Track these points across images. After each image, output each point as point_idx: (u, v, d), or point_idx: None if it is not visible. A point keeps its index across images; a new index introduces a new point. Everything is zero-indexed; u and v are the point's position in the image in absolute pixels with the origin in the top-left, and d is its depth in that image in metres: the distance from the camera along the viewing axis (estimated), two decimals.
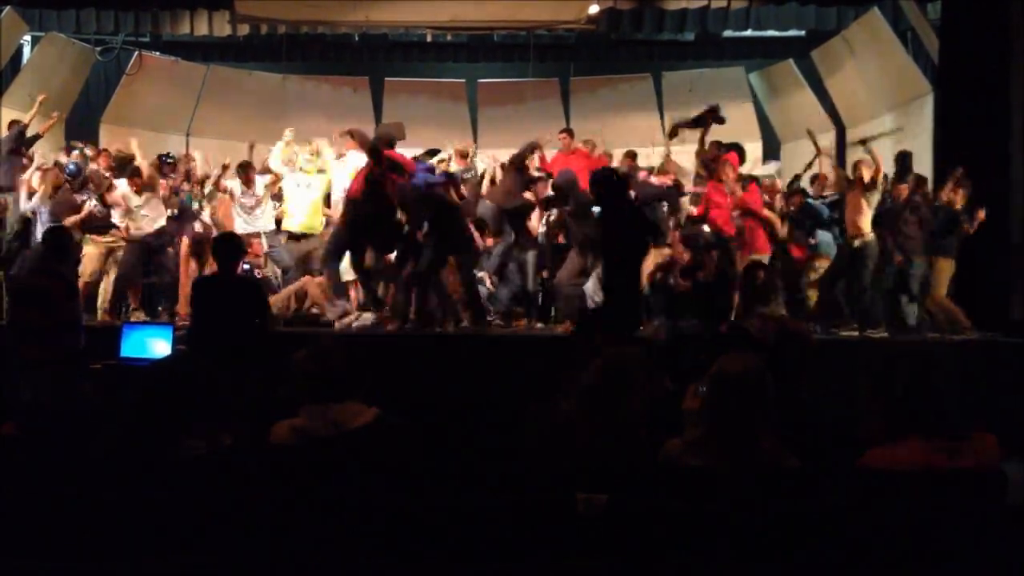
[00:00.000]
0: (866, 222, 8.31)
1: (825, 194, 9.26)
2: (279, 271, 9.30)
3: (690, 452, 2.74)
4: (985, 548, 2.38)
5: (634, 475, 2.64)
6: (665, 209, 8.80)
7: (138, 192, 8.49)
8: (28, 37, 12.00)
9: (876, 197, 8.38)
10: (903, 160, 9.14)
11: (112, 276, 8.68)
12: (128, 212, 8.47)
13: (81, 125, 12.22)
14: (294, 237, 9.18)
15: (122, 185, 8.62)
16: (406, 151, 10.26)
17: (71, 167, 9.11)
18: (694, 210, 9.10)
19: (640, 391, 2.81)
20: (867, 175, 8.35)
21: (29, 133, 9.53)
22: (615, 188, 6.04)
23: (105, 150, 9.96)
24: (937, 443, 2.62)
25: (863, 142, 9.26)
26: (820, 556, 2.38)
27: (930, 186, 9.06)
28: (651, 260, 8.34)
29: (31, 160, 9.24)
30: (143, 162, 8.70)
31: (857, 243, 8.31)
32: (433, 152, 9.89)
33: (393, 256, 8.22)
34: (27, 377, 5.50)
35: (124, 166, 8.97)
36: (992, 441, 2.68)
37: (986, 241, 8.32)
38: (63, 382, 5.46)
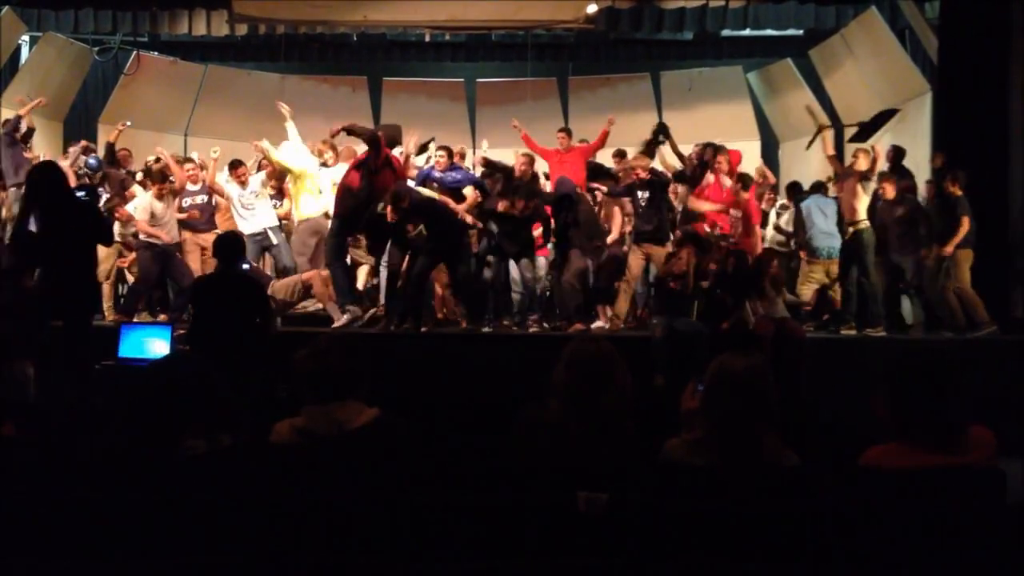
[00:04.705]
0: (862, 207, 8.38)
1: (831, 195, 9.26)
2: (278, 269, 9.29)
3: (691, 451, 2.74)
4: (985, 548, 2.38)
5: (629, 472, 2.64)
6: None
7: (160, 198, 8.52)
8: (26, 37, 12.01)
9: (872, 185, 8.42)
10: (898, 155, 9.14)
11: (113, 277, 8.74)
12: (152, 216, 8.47)
13: (79, 125, 12.21)
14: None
15: (141, 193, 8.66)
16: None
17: (91, 162, 9.14)
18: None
19: (612, 384, 2.80)
20: (864, 164, 8.40)
21: (23, 128, 9.53)
22: (55, 181, 6.01)
23: (126, 150, 9.99)
24: (935, 440, 2.62)
25: (860, 136, 9.20)
26: (820, 556, 2.39)
27: (922, 184, 9.11)
28: (639, 258, 8.36)
29: (32, 153, 9.26)
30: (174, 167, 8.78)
31: (851, 230, 8.34)
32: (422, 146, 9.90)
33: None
34: None
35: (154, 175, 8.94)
36: (989, 436, 2.68)
37: (985, 239, 8.33)
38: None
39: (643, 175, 8.36)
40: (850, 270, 8.50)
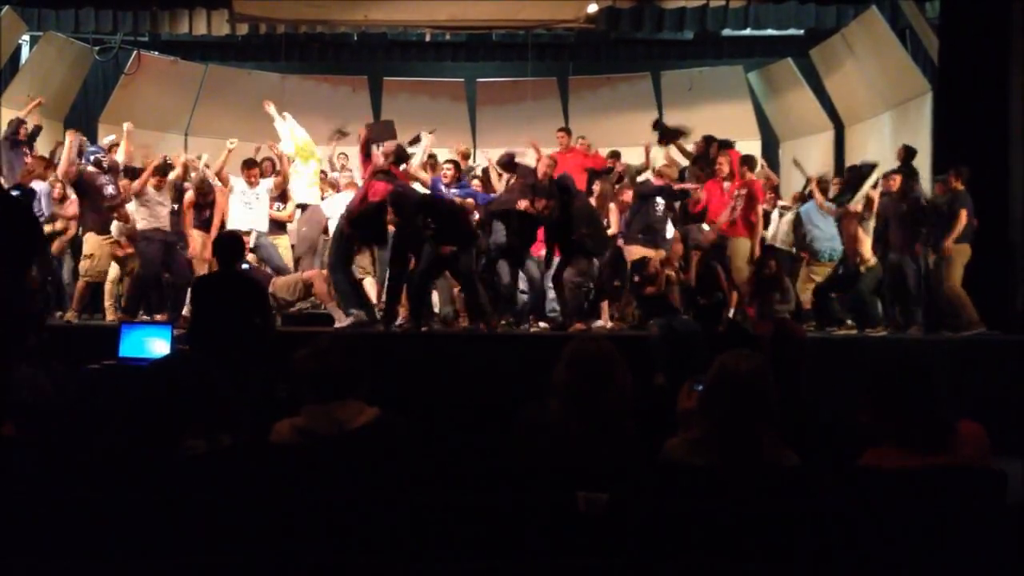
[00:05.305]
0: (866, 249, 8.36)
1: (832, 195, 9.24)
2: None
3: (691, 451, 2.74)
4: (985, 548, 2.38)
5: (629, 472, 2.64)
6: (661, 208, 8.73)
7: (158, 188, 8.60)
8: (27, 37, 12.00)
9: (871, 223, 8.41)
10: (908, 154, 9.09)
11: (111, 276, 8.74)
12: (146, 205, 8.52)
13: (79, 125, 12.19)
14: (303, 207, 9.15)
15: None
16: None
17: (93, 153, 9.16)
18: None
19: (612, 384, 2.80)
20: (857, 205, 8.39)
21: (29, 127, 9.53)
22: None
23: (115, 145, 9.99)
24: (923, 440, 2.62)
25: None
26: (820, 556, 2.39)
27: (927, 183, 9.08)
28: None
29: (33, 155, 9.25)
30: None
31: (863, 269, 8.33)
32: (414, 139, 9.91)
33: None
34: None
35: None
36: (979, 431, 2.68)
37: (985, 238, 8.32)
38: None
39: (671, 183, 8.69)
40: (834, 291, 8.54)
